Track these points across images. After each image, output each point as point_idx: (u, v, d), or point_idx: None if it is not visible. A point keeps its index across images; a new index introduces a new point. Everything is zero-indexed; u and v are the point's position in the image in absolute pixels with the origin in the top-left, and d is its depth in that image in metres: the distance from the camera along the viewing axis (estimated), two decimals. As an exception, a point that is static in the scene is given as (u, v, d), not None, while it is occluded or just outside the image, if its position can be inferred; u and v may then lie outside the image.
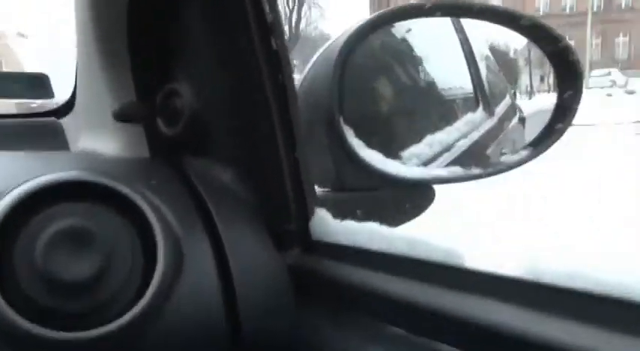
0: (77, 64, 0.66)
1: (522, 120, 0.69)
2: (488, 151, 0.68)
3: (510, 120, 0.72)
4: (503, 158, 0.62)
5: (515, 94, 0.72)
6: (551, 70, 0.61)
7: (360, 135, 0.53)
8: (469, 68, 0.69)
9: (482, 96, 0.71)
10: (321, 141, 0.52)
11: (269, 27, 0.44)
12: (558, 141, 0.60)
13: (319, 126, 0.52)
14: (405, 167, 0.55)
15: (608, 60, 32.06)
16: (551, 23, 0.61)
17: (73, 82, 0.71)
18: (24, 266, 0.38)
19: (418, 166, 0.57)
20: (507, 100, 0.72)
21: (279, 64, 0.45)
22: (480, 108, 0.70)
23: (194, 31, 0.49)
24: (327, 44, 0.57)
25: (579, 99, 0.58)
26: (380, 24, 0.56)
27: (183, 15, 0.49)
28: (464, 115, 0.67)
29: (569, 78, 0.59)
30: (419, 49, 0.65)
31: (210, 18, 0.47)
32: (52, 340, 0.36)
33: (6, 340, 0.37)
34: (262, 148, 0.47)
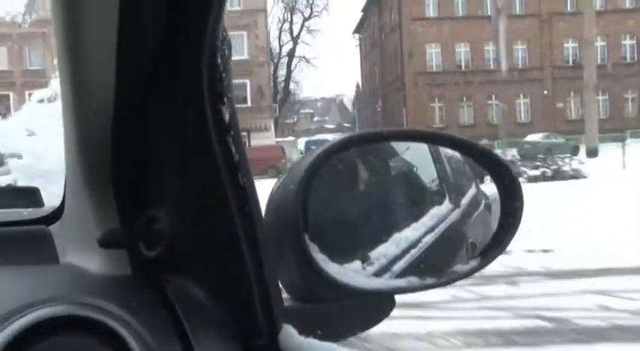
0: (65, 178, 0.76)
1: (488, 206, 0.76)
2: (454, 247, 0.75)
3: (477, 208, 0.79)
4: (456, 268, 0.69)
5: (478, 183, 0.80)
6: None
7: (324, 248, 0.61)
8: (435, 164, 0.78)
9: (447, 187, 0.79)
10: (288, 257, 0.60)
11: (236, 165, 0.54)
12: (503, 252, 0.69)
13: (287, 243, 0.60)
14: (366, 279, 0.63)
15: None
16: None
17: (62, 193, 0.80)
18: None
19: (379, 274, 0.65)
20: (473, 190, 0.80)
21: (246, 197, 0.54)
22: (447, 200, 0.78)
23: (170, 167, 0.59)
24: (291, 166, 0.67)
25: (519, 218, 0.69)
26: (345, 147, 0.66)
27: (160, 151, 0.59)
28: (430, 209, 0.75)
29: (511, 196, 0.70)
30: (384, 154, 0.74)
31: (181, 156, 0.58)
32: None
33: None
34: (233, 269, 0.55)
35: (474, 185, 0.81)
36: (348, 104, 61.75)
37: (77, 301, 0.51)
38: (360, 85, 50.08)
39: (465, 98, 35.16)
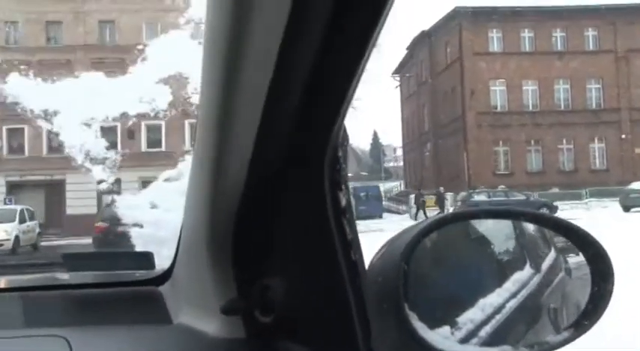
0: (180, 238, 0.86)
1: (568, 271, 0.86)
2: (537, 313, 0.85)
3: (557, 272, 0.90)
4: (548, 339, 0.78)
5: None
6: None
7: (422, 318, 0.71)
8: (514, 229, 0.90)
9: (528, 254, 0.90)
10: (390, 325, 0.70)
11: (349, 243, 0.66)
12: (597, 323, 0.77)
13: (389, 314, 0.70)
14: (461, 348, 0.73)
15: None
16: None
17: (174, 254, 0.91)
18: None
19: (466, 339, 0.75)
20: (553, 254, 0.91)
21: (357, 272, 0.66)
22: (527, 265, 0.89)
23: (287, 240, 0.71)
24: (390, 240, 0.78)
25: (612, 285, 0.77)
26: (442, 224, 0.78)
27: (279, 226, 0.71)
28: (512, 274, 0.86)
29: (600, 265, 0.78)
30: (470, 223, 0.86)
31: (299, 233, 0.70)
32: None
33: None
34: (342, 337, 0.65)
35: (553, 250, 0.91)
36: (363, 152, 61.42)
37: None
38: (404, 130, 47.49)
39: (532, 142, 33.57)
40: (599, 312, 0.77)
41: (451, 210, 22.10)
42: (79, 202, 23.41)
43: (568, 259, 0.87)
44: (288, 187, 0.69)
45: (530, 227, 0.91)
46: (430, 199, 26.48)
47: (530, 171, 33.26)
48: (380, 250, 0.77)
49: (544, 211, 23.43)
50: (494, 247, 0.90)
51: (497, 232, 0.91)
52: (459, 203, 24.64)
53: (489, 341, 0.77)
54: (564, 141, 33.42)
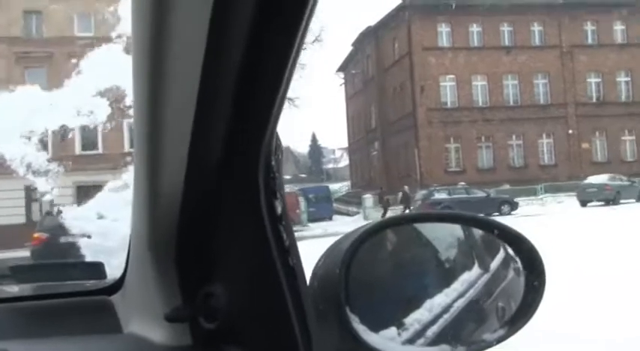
0: (129, 250, 0.90)
1: (517, 271, 0.88)
2: (484, 312, 0.86)
3: (506, 273, 0.91)
4: (484, 336, 0.82)
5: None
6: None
7: (364, 320, 0.74)
8: (464, 230, 0.91)
9: (476, 254, 0.91)
10: (331, 328, 0.73)
11: (287, 249, 0.69)
12: (531, 320, 0.82)
13: (330, 316, 0.74)
14: (402, 347, 0.75)
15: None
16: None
17: (125, 264, 0.94)
18: None
19: (414, 340, 0.77)
20: (502, 254, 0.92)
21: (295, 277, 0.68)
22: (476, 265, 0.89)
23: (227, 248, 0.73)
24: (332, 246, 0.81)
25: (544, 284, 0.83)
26: (383, 227, 0.80)
27: (218, 235, 0.74)
28: (461, 274, 0.87)
29: (533, 266, 0.84)
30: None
31: (238, 240, 0.72)
32: None
33: None
34: (283, 341, 0.68)
35: (502, 250, 0.92)
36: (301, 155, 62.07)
37: None
38: (349, 129, 46.25)
39: (483, 138, 34.03)
40: (531, 310, 0.82)
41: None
42: (3, 211, 22.03)
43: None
44: (224, 196, 0.72)
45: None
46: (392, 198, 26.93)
47: (481, 168, 33.76)
48: (322, 256, 0.80)
49: (505, 207, 23.79)
50: (442, 248, 0.92)
51: (445, 234, 0.91)
52: (419, 202, 24.94)
53: (436, 341, 0.79)
54: (514, 137, 34.29)
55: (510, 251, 0.86)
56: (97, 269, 1.24)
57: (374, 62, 39.21)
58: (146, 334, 0.80)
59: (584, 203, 26.43)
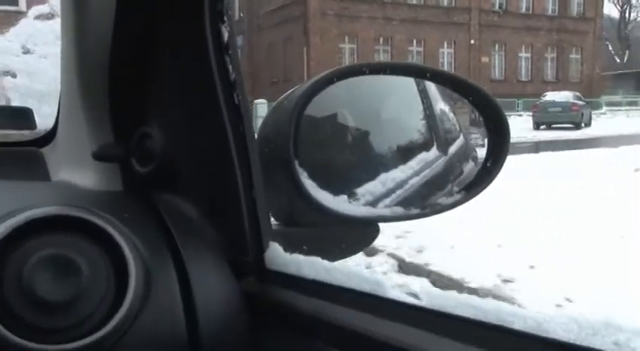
0: (60, 100, 0.88)
1: (475, 159, 0.95)
2: (439, 190, 0.93)
3: (464, 158, 0.98)
4: (440, 200, 0.88)
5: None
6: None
7: (313, 176, 0.76)
8: (425, 111, 0.95)
9: (436, 136, 0.97)
10: (278, 181, 0.75)
11: (232, 84, 0.68)
12: (490, 185, 0.88)
13: (277, 168, 0.75)
14: (352, 206, 0.80)
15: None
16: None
17: (56, 114, 0.93)
18: (13, 289, 0.56)
19: (367, 205, 0.82)
20: (461, 140, 0.99)
21: (240, 116, 0.68)
22: (434, 147, 0.96)
23: (166, 84, 0.72)
24: (286, 93, 0.81)
25: (507, 145, 0.88)
26: (336, 77, 0.80)
27: (157, 68, 0.72)
28: (418, 153, 0.92)
29: (497, 126, 0.88)
30: (378, 95, 0.90)
31: (179, 73, 0.70)
32: None
33: None
34: (223, 188, 0.69)
35: (462, 136, 0.99)
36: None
37: (70, 204, 0.63)
38: None
39: (381, 40, 33.75)
40: (491, 175, 0.88)
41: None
42: None
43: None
44: (163, 20, 0.69)
45: (440, 105, 0.97)
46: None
47: None
48: (272, 108, 0.81)
49: None
50: (400, 121, 0.95)
51: (403, 105, 0.96)
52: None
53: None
54: (414, 42, 34.72)
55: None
56: (25, 116, 1.22)
57: None
58: (74, 179, 0.81)
59: (538, 125, 25.13)
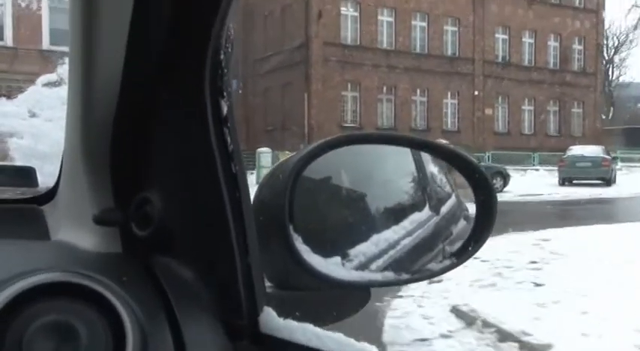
0: (62, 160, 0.93)
1: (467, 218, 0.99)
2: (430, 251, 0.97)
3: (456, 218, 1.02)
4: (430, 266, 0.92)
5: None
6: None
7: (307, 241, 0.80)
8: (417, 172, 0.99)
9: (428, 196, 1.00)
10: (273, 246, 0.79)
11: (230, 155, 0.73)
12: (478, 252, 0.93)
13: (272, 233, 0.79)
14: (344, 271, 0.83)
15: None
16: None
17: (57, 174, 0.98)
18: None
19: (357, 268, 0.85)
20: (453, 200, 1.03)
21: (237, 185, 0.73)
22: (427, 207, 0.99)
23: (167, 152, 0.77)
24: (282, 160, 0.86)
25: (495, 209, 0.93)
26: (330, 147, 0.85)
27: (159, 137, 0.77)
28: (411, 214, 0.96)
29: (484, 191, 0.94)
30: (371, 158, 0.94)
31: (179, 143, 0.75)
32: None
33: None
34: (220, 253, 0.73)
35: (454, 196, 1.03)
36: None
37: (71, 270, 0.66)
38: None
39: (385, 89, 33.25)
40: (480, 241, 0.93)
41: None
42: None
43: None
44: (165, 93, 0.74)
45: (430, 168, 1.02)
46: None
47: (380, 126, 32.72)
48: (267, 174, 0.86)
49: (498, 180, 20.49)
50: (393, 183, 1.00)
51: (397, 169, 1.00)
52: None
53: (380, 270, 0.87)
54: (418, 92, 34.57)
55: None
56: (27, 174, 1.28)
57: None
58: (74, 240, 0.84)
59: (564, 181, 24.37)
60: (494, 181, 20.24)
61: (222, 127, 0.72)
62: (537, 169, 30.97)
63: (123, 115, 0.75)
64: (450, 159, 0.97)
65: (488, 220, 0.93)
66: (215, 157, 0.72)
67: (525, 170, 28.97)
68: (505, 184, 21.43)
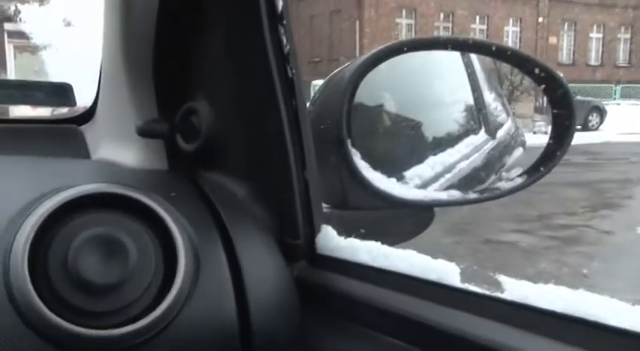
0: (100, 75, 0.91)
1: (523, 144, 0.99)
2: (488, 175, 0.96)
3: (512, 143, 1.02)
4: (499, 184, 0.88)
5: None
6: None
7: (366, 157, 0.77)
8: (473, 94, 0.99)
9: (484, 120, 1.01)
10: (329, 161, 0.75)
11: (286, 57, 0.67)
12: (554, 168, 0.85)
13: (328, 147, 0.75)
14: (406, 189, 0.81)
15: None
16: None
17: (95, 92, 0.97)
18: (58, 270, 0.55)
19: (419, 188, 0.83)
20: (509, 124, 1.03)
21: (293, 91, 0.67)
22: (482, 131, 1.00)
23: (215, 57, 0.71)
24: (337, 70, 0.82)
25: (573, 127, 0.85)
26: (389, 54, 0.81)
27: (206, 40, 0.71)
28: (466, 137, 0.97)
29: (563, 107, 0.85)
30: (427, 77, 0.94)
31: (231, 46, 0.70)
32: (85, 337, 0.54)
33: (41, 337, 0.54)
34: (275, 167, 0.68)
35: (510, 120, 1.03)
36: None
37: (114, 182, 0.63)
38: None
39: (442, 15, 31.82)
40: (554, 159, 0.85)
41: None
42: None
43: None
44: None
45: (488, 88, 1.01)
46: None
47: None
48: (323, 84, 0.81)
49: (594, 117, 19.34)
50: (448, 105, 1.00)
51: (452, 90, 1.00)
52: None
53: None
54: (477, 19, 33.13)
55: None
56: (64, 92, 1.25)
57: None
58: (117, 158, 0.81)
59: None
60: (590, 117, 19.26)
61: (277, 25, 0.65)
62: (619, 104, 29.48)
63: (166, 19, 0.70)
64: (522, 64, 0.88)
65: (565, 132, 0.84)
66: (269, 59, 0.65)
67: (607, 105, 26.99)
68: (602, 120, 20.26)
